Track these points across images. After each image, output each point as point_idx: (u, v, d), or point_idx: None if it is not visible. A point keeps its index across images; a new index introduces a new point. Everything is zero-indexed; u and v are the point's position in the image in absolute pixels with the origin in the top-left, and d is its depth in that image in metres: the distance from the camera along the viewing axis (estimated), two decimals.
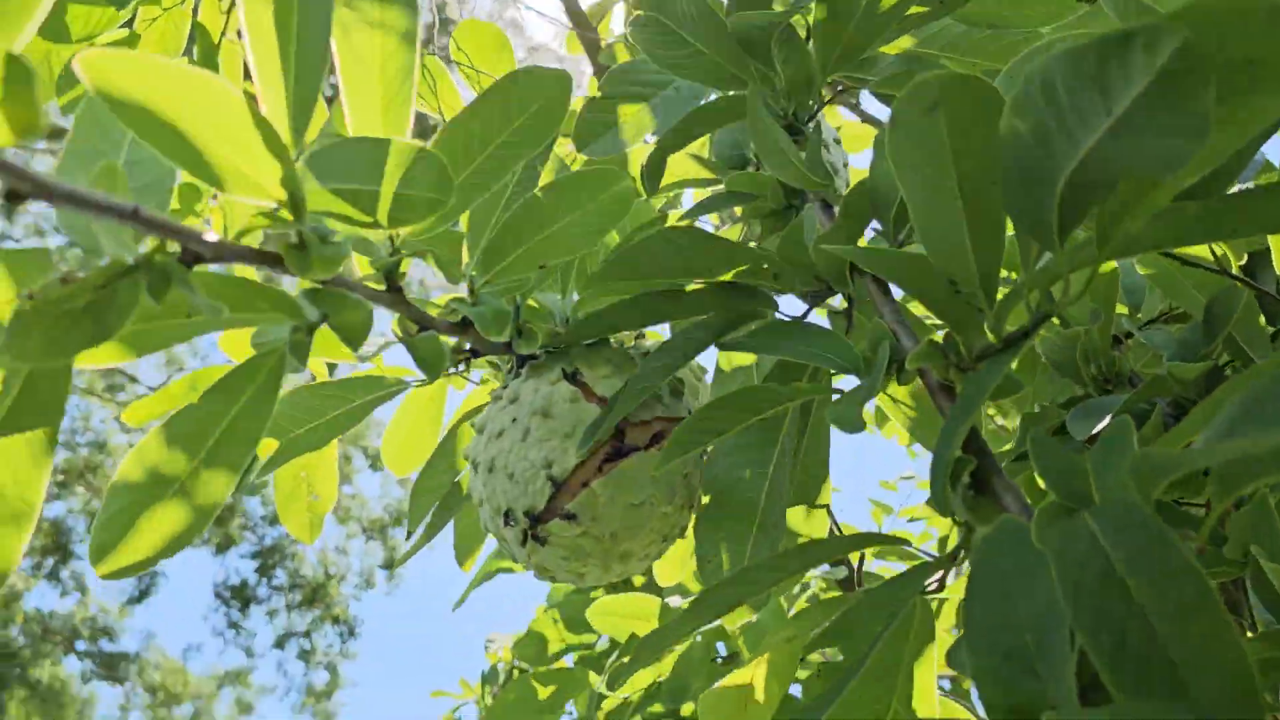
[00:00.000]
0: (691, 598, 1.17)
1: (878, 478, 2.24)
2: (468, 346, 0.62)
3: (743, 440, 0.59)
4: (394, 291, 0.54)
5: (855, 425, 0.45)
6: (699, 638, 1.15)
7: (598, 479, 0.57)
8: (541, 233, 0.57)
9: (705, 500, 0.59)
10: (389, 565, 11.27)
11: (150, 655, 10.57)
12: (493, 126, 0.53)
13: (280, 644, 10.94)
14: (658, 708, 1.25)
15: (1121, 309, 0.79)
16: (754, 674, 0.54)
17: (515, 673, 2.64)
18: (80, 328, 0.40)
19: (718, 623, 1.15)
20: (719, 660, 1.19)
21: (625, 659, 1.16)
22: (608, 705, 1.18)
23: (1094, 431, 0.60)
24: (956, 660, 0.38)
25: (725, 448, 0.59)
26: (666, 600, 1.19)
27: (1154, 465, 0.32)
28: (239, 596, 10.86)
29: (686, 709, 1.40)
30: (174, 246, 0.43)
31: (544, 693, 1.14)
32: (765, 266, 0.59)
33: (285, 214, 0.45)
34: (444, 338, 0.56)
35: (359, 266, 0.56)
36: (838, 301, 0.65)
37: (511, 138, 0.53)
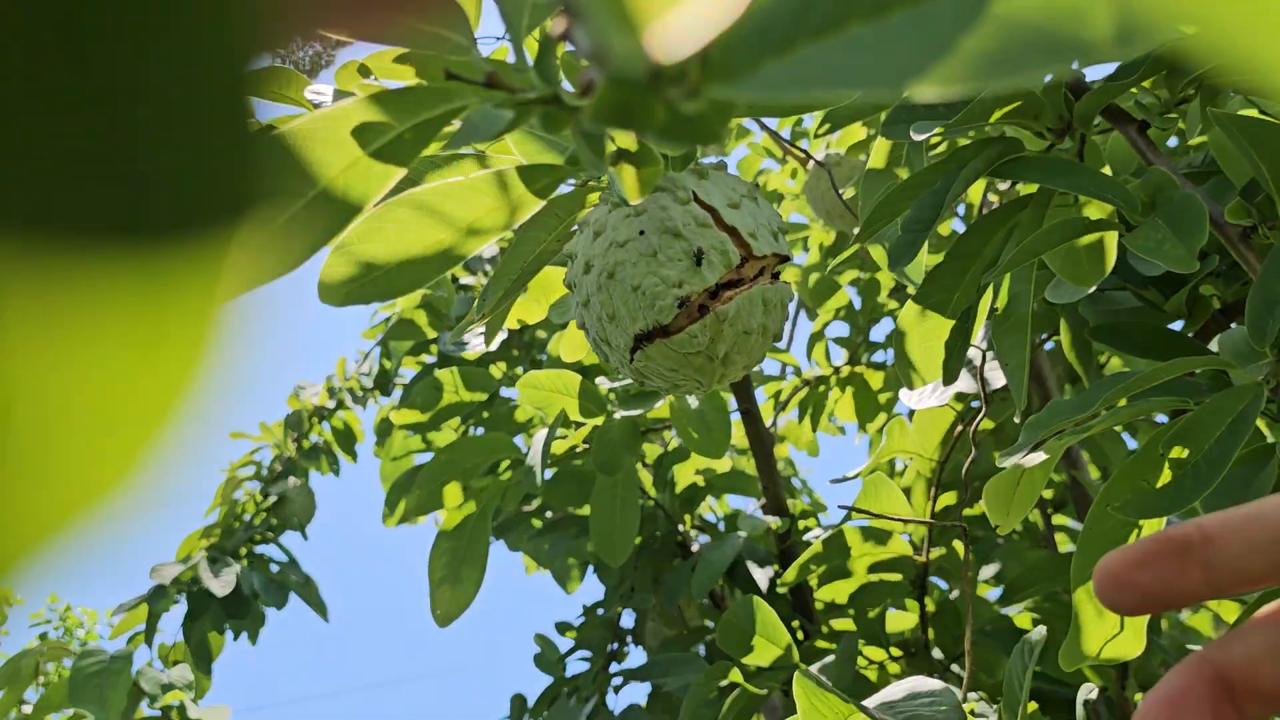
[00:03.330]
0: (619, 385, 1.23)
1: None
2: None
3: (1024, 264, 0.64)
4: None
5: (1190, 264, 0.51)
6: (618, 416, 1.21)
7: (721, 304, 0.60)
8: None
9: (1000, 309, 0.64)
10: None
11: None
12: None
13: None
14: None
15: None
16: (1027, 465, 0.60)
17: (314, 420, 2.62)
18: None
19: (638, 412, 1.21)
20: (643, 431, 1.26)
21: (561, 429, 1.20)
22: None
23: None
24: None
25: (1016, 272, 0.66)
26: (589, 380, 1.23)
27: None
28: None
29: None
30: None
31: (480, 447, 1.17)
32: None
33: None
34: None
35: None
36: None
37: None
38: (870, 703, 0.57)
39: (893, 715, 0.54)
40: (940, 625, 1.14)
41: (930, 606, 1.14)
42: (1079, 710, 0.63)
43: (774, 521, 1.40)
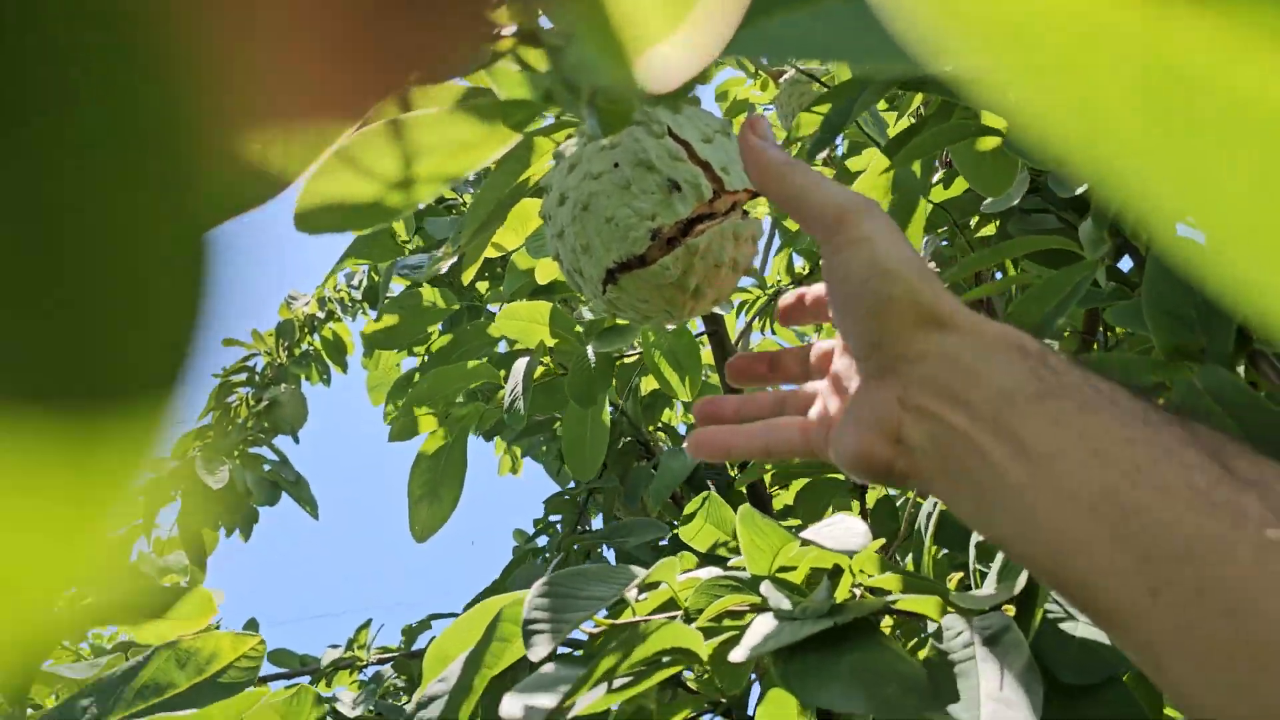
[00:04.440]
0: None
1: None
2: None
3: None
4: None
5: None
6: (592, 353, 1.29)
7: (693, 237, 0.62)
8: None
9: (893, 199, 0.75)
10: None
11: None
12: None
13: None
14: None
15: None
16: None
17: (305, 330, 2.71)
18: None
19: (613, 348, 1.30)
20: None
21: (544, 359, 1.29)
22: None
23: None
24: (1122, 318, 0.58)
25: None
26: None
27: None
28: None
29: None
30: None
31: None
32: None
33: None
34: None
35: None
36: None
37: None
38: (804, 534, 0.67)
39: (817, 538, 0.64)
40: (878, 520, 1.26)
41: (870, 503, 1.26)
42: (970, 549, 0.72)
43: None
